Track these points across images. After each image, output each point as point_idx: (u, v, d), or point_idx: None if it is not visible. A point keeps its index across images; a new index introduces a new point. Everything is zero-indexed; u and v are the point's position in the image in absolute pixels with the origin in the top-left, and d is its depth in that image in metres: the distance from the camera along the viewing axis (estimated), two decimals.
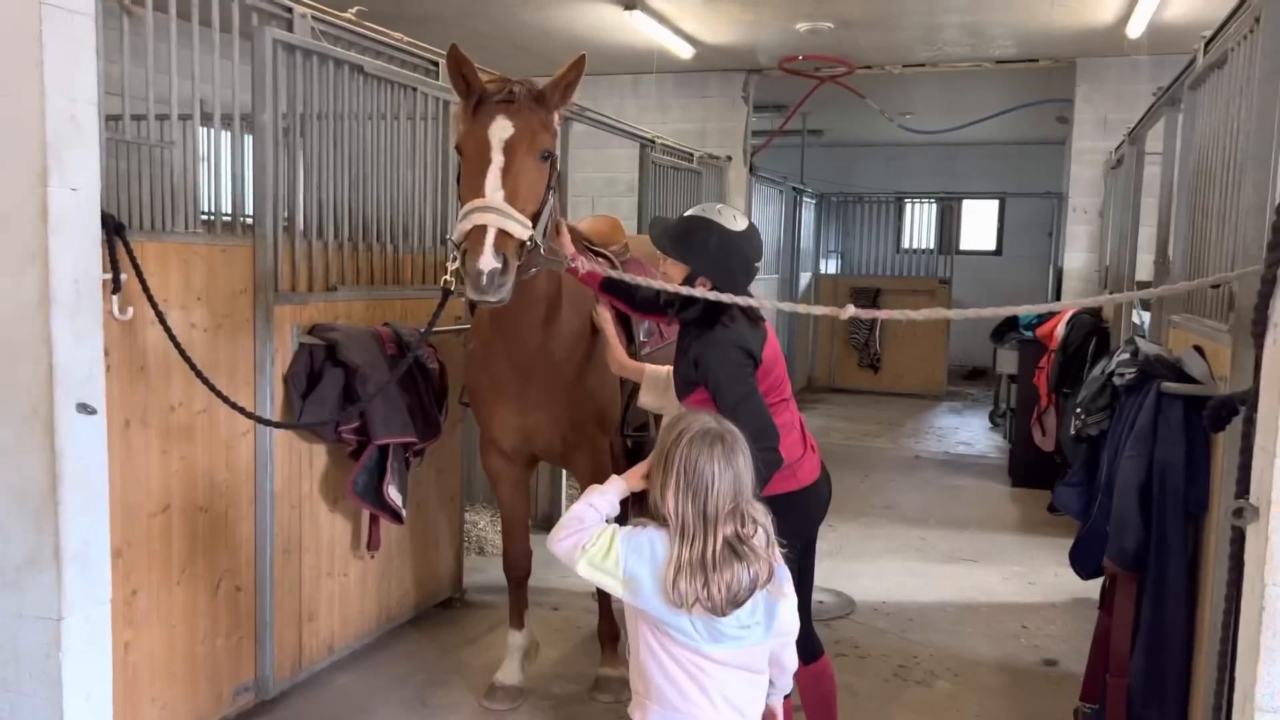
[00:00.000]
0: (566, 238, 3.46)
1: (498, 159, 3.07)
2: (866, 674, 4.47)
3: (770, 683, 2.47)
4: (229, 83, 3.80)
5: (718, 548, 2.22)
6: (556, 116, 3.30)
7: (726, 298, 2.92)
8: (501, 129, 3.10)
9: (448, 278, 3.26)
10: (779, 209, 11.75)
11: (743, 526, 2.26)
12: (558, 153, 3.28)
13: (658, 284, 3.08)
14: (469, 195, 3.09)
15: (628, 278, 3.38)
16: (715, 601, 2.20)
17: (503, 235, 2.99)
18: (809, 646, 3.06)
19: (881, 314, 2.93)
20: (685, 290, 2.99)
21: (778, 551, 2.33)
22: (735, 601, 2.22)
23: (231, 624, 3.75)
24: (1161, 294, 3.94)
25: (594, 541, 2.31)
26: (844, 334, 13.01)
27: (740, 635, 2.29)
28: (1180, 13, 7.24)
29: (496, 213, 3.00)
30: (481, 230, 2.98)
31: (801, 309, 3.16)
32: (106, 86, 2.98)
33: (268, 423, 3.68)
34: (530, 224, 3.08)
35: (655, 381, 3.56)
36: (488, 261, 2.94)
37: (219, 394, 3.26)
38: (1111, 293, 6.69)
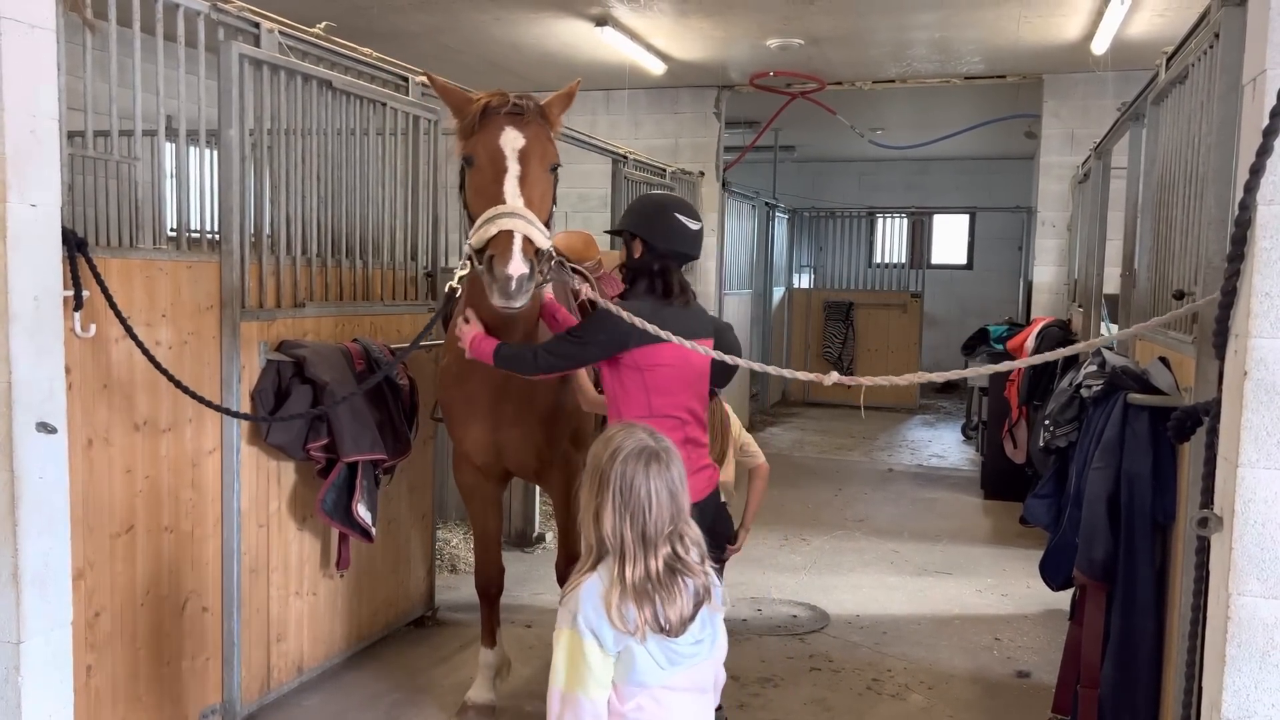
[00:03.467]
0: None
1: (514, 168, 3.06)
2: (840, 688, 4.46)
3: None
4: (195, 98, 3.77)
5: (659, 567, 2.15)
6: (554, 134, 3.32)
7: (706, 351, 3.05)
8: (514, 139, 3.10)
9: (454, 284, 3.22)
10: (752, 224, 11.80)
11: (681, 544, 2.20)
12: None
13: (632, 318, 3.06)
14: (488, 202, 3.06)
15: (613, 307, 3.26)
16: (672, 622, 2.15)
17: (527, 242, 2.98)
18: None
19: (865, 380, 2.92)
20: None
21: (710, 565, 2.28)
22: (683, 619, 2.17)
23: (198, 645, 3.70)
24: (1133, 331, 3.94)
25: (572, 667, 2.14)
26: (817, 348, 13.08)
27: (695, 652, 2.24)
28: (1143, 29, 7.35)
29: (523, 219, 2.98)
30: (509, 235, 2.96)
31: (787, 374, 3.06)
32: (70, 101, 2.95)
33: (248, 417, 3.69)
34: (548, 233, 3.08)
35: None
36: (518, 266, 2.91)
37: (199, 397, 3.29)
38: (1080, 305, 6.75)
